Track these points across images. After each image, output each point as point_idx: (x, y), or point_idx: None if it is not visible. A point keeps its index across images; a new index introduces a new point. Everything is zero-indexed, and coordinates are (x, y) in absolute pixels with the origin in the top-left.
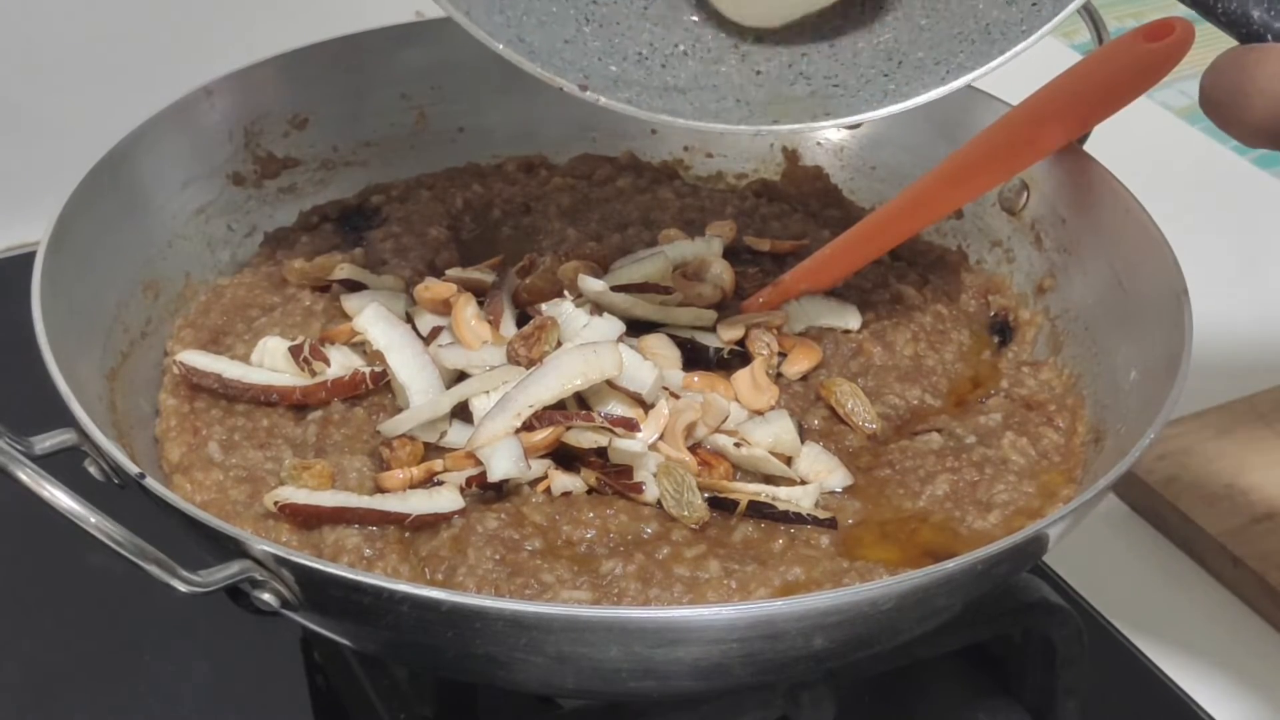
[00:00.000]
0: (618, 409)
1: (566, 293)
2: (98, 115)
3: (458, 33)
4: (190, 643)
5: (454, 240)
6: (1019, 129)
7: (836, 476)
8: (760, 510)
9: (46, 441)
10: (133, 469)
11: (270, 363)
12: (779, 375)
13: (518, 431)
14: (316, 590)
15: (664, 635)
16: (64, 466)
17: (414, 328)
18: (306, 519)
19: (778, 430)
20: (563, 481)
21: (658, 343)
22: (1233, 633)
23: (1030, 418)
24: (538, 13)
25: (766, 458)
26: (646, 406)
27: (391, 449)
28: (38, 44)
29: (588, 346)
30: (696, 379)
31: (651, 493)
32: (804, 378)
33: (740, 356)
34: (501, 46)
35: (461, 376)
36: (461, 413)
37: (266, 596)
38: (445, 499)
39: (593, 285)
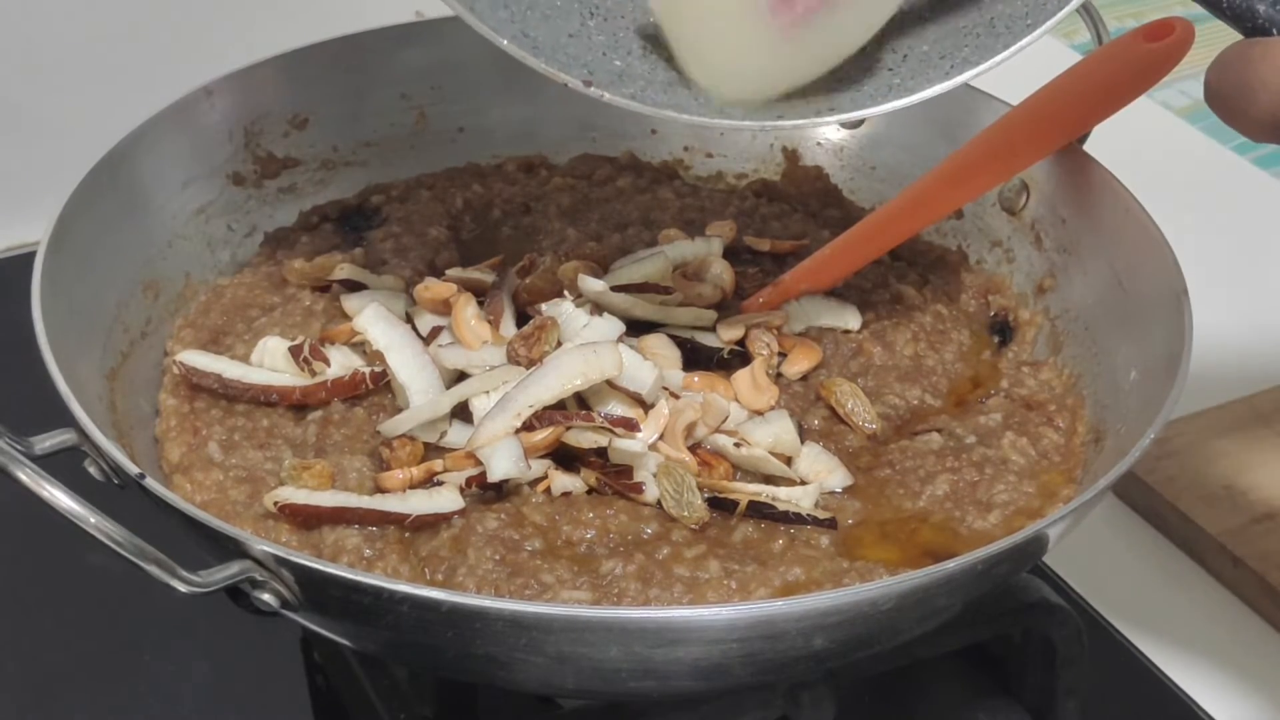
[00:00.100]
0: (618, 409)
1: (566, 293)
2: (98, 115)
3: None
4: (190, 643)
5: (454, 240)
6: (1019, 129)
7: (836, 476)
8: (760, 510)
9: (46, 441)
10: (133, 469)
11: (270, 363)
12: (779, 375)
13: (518, 431)
14: (316, 590)
15: (664, 635)
16: (64, 466)
17: (414, 328)
18: (306, 519)
19: (778, 430)
20: (563, 481)
21: (658, 343)
22: (1233, 633)
23: (1030, 418)
24: (542, 8)
25: (766, 458)
26: (646, 406)
27: (391, 449)
28: (38, 44)
29: (588, 346)
30: (696, 379)
31: (651, 493)
32: (804, 378)
33: (740, 356)
34: (506, 42)
35: (461, 376)
36: (461, 413)
37: (266, 597)
38: (445, 499)
39: (593, 285)
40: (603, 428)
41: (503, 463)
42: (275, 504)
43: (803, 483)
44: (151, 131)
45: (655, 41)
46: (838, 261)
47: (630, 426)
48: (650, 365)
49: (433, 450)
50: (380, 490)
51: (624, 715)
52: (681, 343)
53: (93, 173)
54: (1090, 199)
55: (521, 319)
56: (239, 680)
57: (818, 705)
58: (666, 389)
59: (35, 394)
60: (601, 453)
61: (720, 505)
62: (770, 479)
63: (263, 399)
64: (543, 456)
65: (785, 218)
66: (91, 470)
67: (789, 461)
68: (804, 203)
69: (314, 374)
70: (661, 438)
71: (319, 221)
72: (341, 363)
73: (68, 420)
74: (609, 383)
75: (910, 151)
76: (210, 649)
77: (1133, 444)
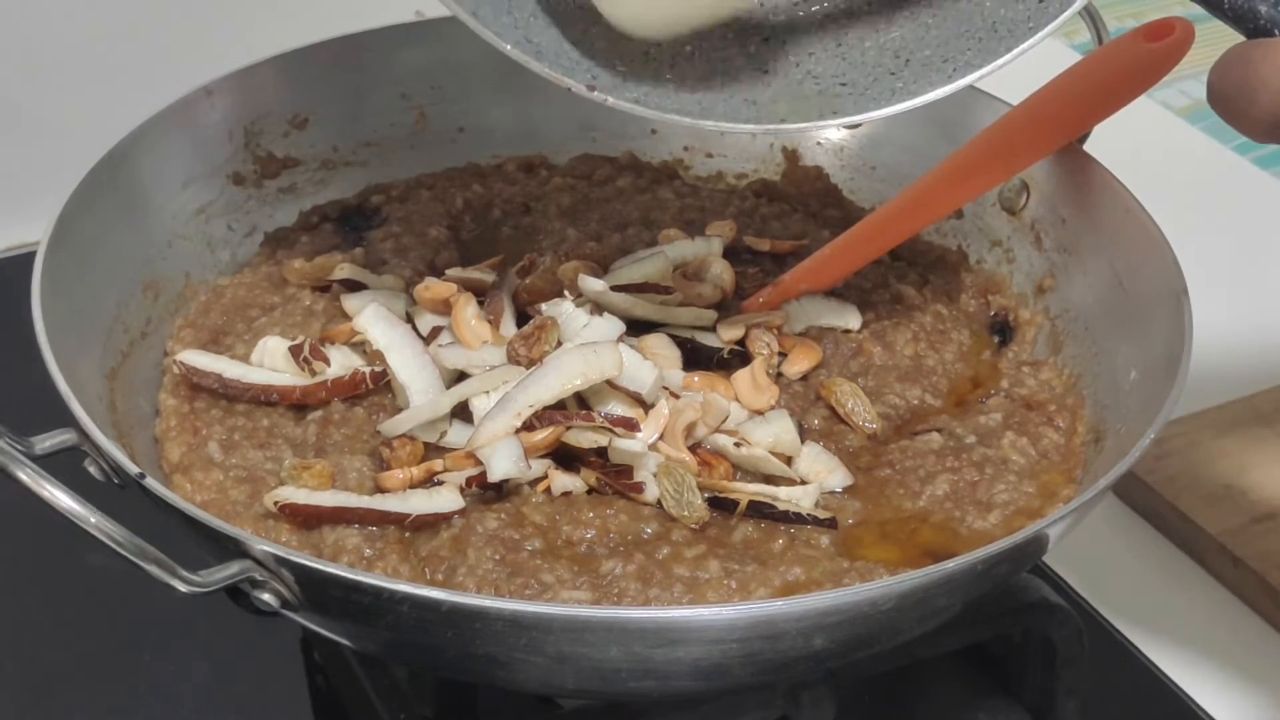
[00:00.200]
0: (618, 409)
1: (566, 293)
2: (98, 115)
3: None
4: (190, 643)
5: (454, 240)
6: (1019, 129)
7: (836, 476)
8: (760, 510)
9: (46, 441)
10: (133, 469)
11: (270, 363)
12: (779, 375)
13: (518, 431)
14: (316, 590)
15: (664, 635)
16: (64, 466)
17: (414, 328)
18: (306, 519)
19: (778, 430)
20: (563, 481)
21: (658, 343)
22: (1233, 633)
23: (1030, 418)
24: (546, 13)
25: (766, 458)
26: (646, 406)
27: (391, 449)
28: (38, 44)
29: (588, 346)
30: (696, 379)
31: (651, 493)
32: (804, 378)
33: (740, 356)
34: (509, 47)
35: (461, 376)
36: (461, 413)
37: (266, 596)
38: (445, 499)
39: (593, 285)
40: (603, 428)
41: (503, 463)
42: (275, 504)
43: (803, 483)
44: (151, 131)
45: (659, 48)
46: (838, 261)
47: (630, 426)
48: (650, 365)
49: (433, 450)
50: (380, 490)
51: (624, 715)
52: (681, 343)
53: (93, 173)
54: (1090, 199)
55: (521, 319)
56: (239, 680)
57: (818, 705)
58: (666, 389)
59: (35, 394)
60: (601, 453)
61: (720, 505)
62: (770, 479)
63: (263, 399)
64: (543, 456)
65: (785, 218)
66: (91, 470)
67: (789, 461)
68: (804, 203)
69: (314, 374)
70: (661, 438)
71: (319, 221)
72: (341, 363)
73: (68, 420)
74: (609, 383)
75: (910, 151)
76: (210, 649)
77: (1133, 444)
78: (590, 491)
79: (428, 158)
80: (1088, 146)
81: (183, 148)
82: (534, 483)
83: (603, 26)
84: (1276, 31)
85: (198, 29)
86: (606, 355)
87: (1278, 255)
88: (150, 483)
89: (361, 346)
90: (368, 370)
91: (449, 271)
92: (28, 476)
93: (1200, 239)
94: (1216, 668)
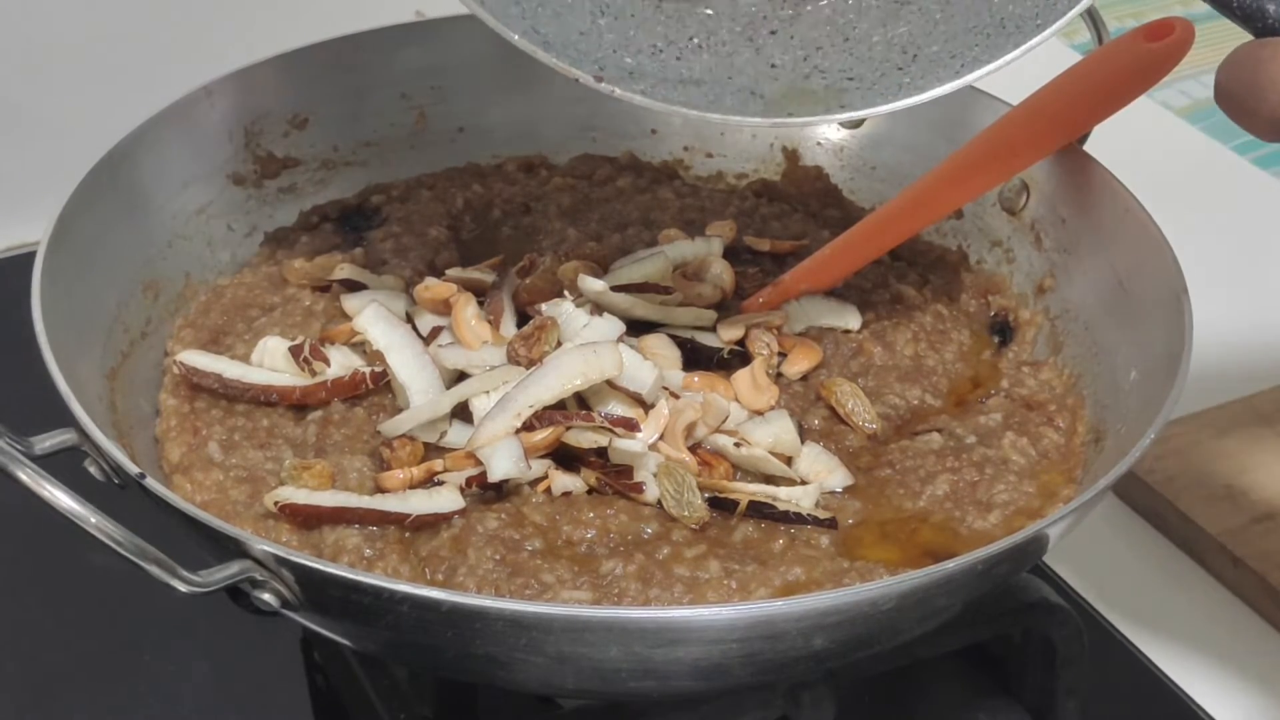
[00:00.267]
0: (618, 409)
1: (566, 293)
2: (98, 115)
3: (458, 33)
4: (190, 643)
5: (454, 240)
6: (1019, 129)
7: (836, 476)
8: (760, 510)
9: (46, 441)
10: (133, 469)
11: (270, 363)
12: (779, 375)
13: (518, 431)
14: (316, 590)
15: (664, 635)
16: (64, 466)
17: (414, 328)
18: (306, 519)
19: (778, 430)
20: (563, 481)
21: (658, 343)
22: (1233, 633)
23: (1030, 418)
24: (553, 5)
25: (766, 458)
26: (646, 406)
27: (391, 449)
28: (38, 44)
29: (588, 346)
30: (696, 379)
31: (651, 493)
32: (804, 378)
33: (740, 356)
34: (517, 37)
35: (461, 376)
36: (461, 413)
37: (266, 596)
38: (445, 499)
39: (593, 285)
40: (603, 428)
41: (503, 463)
42: (275, 504)
43: (803, 483)
44: (151, 131)
45: (666, 41)
46: (838, 261)
47: (630, 426)
48: (650, 365)
49: (433, 450)
50: (380, 490)
51: (624, 715)
52: (681, 343)
53: (93, 173)
54: (1090, 199)
55: (521, 319)
56: (239, 680)
57: (818, 705)
58: (666, 389)
59: (35, 394)
60: (602, 453)
61: (720, 505)
62: (770, 479)
63: (263, 399)
64: (543, 456)
65: (785, 218)
66: (91, 470)
67: (789, 461)
68: (804, 203)
69: (314, 374)
70: (661, 438)
71: (319, 221)
72: (341, 363)
73: (68, 420)
74: (609, 383)
75: (910, 151)
76: (210, 649)
77: (1133, 444)
78: (590, 491)
79: (428, 158)
80: (1088, 146)
81: (183, 148)
82: (534, 483)
83: (609, 18)
84: None
85: (198, 29)
86: (606, 355)
87: (1278, 255)
88: (150, 483)
89: (361, 346)
90: (368, 370)
91: (449, 271)
92: (28, 476)
93: (1200, 239)
94: (1216, 668)
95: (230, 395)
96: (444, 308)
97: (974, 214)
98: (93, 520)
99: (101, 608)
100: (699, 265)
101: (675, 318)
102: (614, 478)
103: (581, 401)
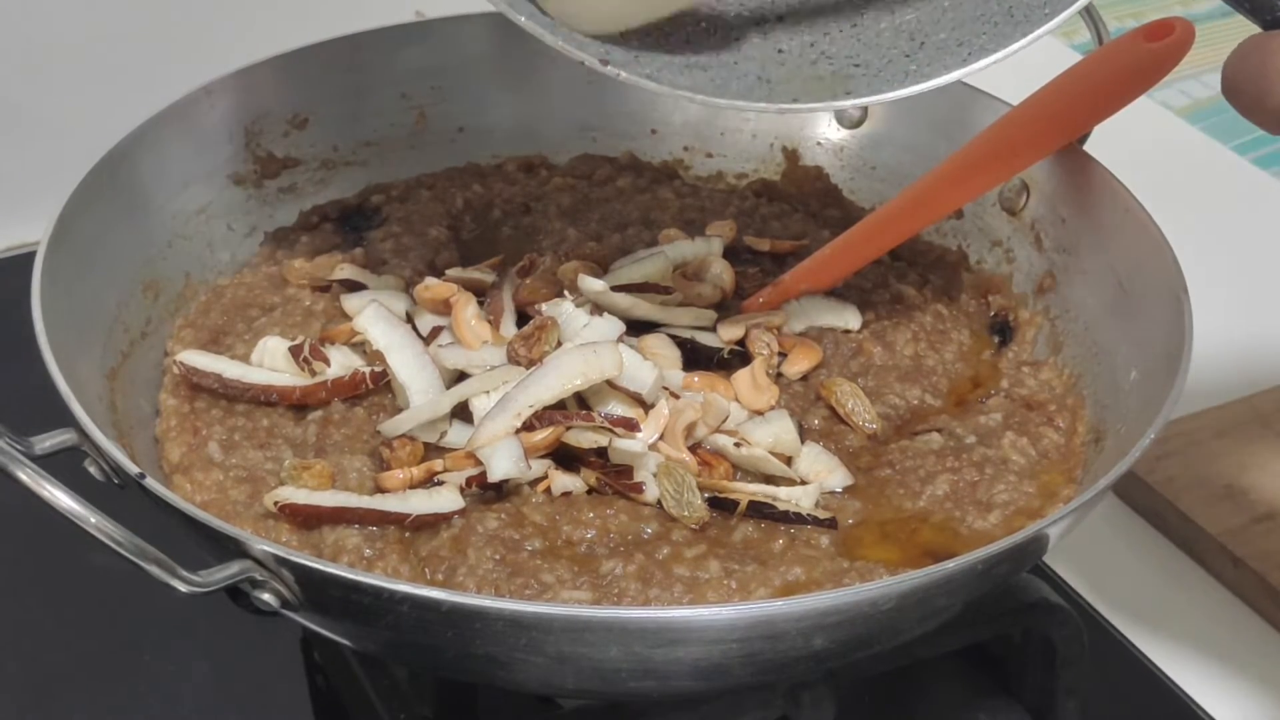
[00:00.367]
0: (618, 409)
1: (566, 293)
2: (98, 115)
3: (458, 33)
4: (190, 643)
5: (454, 240)
6: (1019, 129)
7: (836, 476)
8: (760, 510)
9: (46, 441)
10: (133, 469)
11: (270, 363)
12: (779, 375)
13: (518, 431)
14: (316, 590)
15: (664, 635)
16: (64, 466)
17: (414, 328)
18: (306, 519)
19: (778, 430)
20: (563, 481)
21: (658, 343)
22: (1233, 633)
23: (1030, 418)
24: None
25: (766, 458)
26: (646, 406)
27: (391, 449)
28: (38, 44)
29: (588, 346)
30: (696, 379)
31: (651, 493)
32: (804, 378)
33: (740, 356)
34: (524, 19)
35: (461, 376)
36: (461, 413)
37: (266, 596)
38: (445, 499)
39: (593, 285)
40: (603, 428)
41: (503, 463)
42: (275, 504)
43: (803, 483)
44: (151, 131)
45: (671, 25)
46: (838, 261)
47: (630, 426)
48: (650, 365)
49: (433, 450)
50: (380, 490)
51: (624, 715)
52: (681, 343)
53: (93, 173)
54: (1090, 199)
55: (521, 319)
56: (239, 680)
57: (818, 705)
58: (666, 389)
59: (35, 394)
60: (601, 453)
61: (720, 505)
62: (770, 479)
63: (263, 399)
64: (543, 456)
65: (785, 218)
66: (91, 470)
67: (789, 461)
68: (804, 203)
69: (314, 374)
70: (661, 438)
71: (319, 221)
72: (341, 363)
73: (68, 420)
74: (609, 383)
75: (910, 151)
76: (210, 649)
77: (1133, 444)
78: (590, 491)
79: (428, 158)
80: (1088, 146)
81: (183, 148)
82: (534, 483)
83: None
84: None
85: (198, 29)
86: (606, 355)
87: (1278, 255)
88: (150, 483)
89: (361, 346)
90: (368, 370)
91: (449, 271)
92: (28, 476)
93: (1200, 239)
94: (1216, 668)
95: (230, 395)
96: (444, 308)
97: (974, 214)
98: (93, 520)
99: (101, 608)
100: (699, 265)
101: (675, 318)
102: (614, 478)
103: (581, 401)
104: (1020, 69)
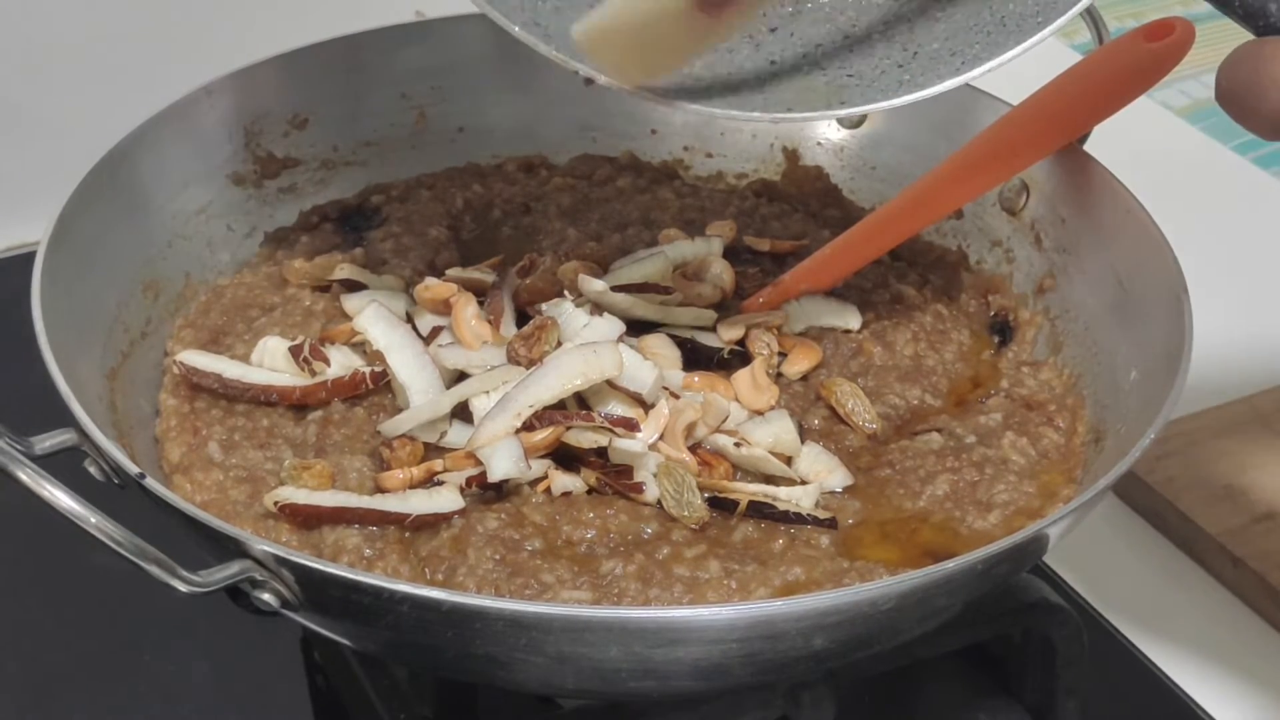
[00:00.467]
0: (618, 409)
1: (566, 293)
2: (98, 115)
3: (458, 33)
4: (190, 643)
5: (454, 240)
6: (1019, 129)
7: (836, 476)
8: (760, 510)
9: (46, 441)
10: (133, 469)
11: (270, 363)
12: (779, 375)
13: (518, 431)
14: (316, 590)
15: (664, 635)
16: (64, 466)
17: (414, 328)
18: (306, 519)
19: (778, 430)
20: (563, 481)
21: (658, 343)
22: (1233, 633)
23: (1030, 418)
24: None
25: (766, 458)
26: (646, 406)
27: (391, 449)
28: (38, 44)
29: (588, 346)
30: (696, 379)
31: (651, 493)
32: (804, 378)
33: (740, 356)
34: (518, 29)
35: (461, 376)
36: (461, 413)
37: (266, 596)
38: (445, 499)
39: (593, 285)
40: (603, 428)
41: (503, 463)
42: (275, 504)
43: (803, 483)
44: (151, 131)
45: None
46: (838, 261)
47: (630, 426)
48: (650, 365)
49: (433, 450)
50: (380, 490)
51: (624, 715)
52: (681, 343)
53: (93, 173)
54: (1090, 199)
55: (521, 319)
56: (239, 680)
57: (818, 705)
58: (666, 389)
59: (35, 394)
60: (601, 453)
61: (720, 505)
62: (770, 479)
63: (263, 399)
64: (543, 456)
65: (785, 218)
66: (91, 470)
67: (789, 461)
68: (804, 203)
69: (314, 374)
70: (661, 438)
71: (319, 221)
72: (341, 363)
73: (68, 420)
74: (609, 383)
75: (910, 151)
76: (210, 649)
77: (1133, 444)
78: (590, 491)
79: (428, 158)
80: (1088, 146)
81: (183, 148)
82: (534, 483)
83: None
84: None
85: (198, 29)
86: (606, 355)
87: (1278, 255)
88: (150, 483)
89: (361, 346)
90: (368, 370)
91: (449, 271)
92: (28, 476)
93: (1200, 239)
94: (1216, 668)
95: (230, 395)
96: (444, 308)
97: (974, 214)
98: (93, 520)
99: (101, 608)
100: (699, 265)
101: (675, 318)
102: (614, 478)
103: (581, 401)
104: (1020, 69)
